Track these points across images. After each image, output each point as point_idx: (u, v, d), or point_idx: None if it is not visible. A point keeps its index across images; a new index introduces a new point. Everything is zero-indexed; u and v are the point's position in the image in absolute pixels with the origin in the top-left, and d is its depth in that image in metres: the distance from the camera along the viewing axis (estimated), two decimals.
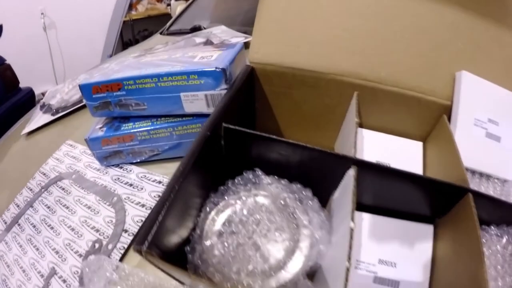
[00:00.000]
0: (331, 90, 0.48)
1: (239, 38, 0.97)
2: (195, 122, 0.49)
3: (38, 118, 0.93)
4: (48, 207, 0.59)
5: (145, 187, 0.53)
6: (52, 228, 0.55)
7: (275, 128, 0.56)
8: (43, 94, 2.54)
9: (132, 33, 2.83)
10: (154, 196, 0.51)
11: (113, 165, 0.59)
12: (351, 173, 0.34)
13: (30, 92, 1.79)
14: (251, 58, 0.48)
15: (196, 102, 0.45)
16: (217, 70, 0.42)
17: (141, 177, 0.54)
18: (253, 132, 0.35)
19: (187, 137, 0.51)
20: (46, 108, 0.96)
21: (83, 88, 0.52)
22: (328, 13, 0.49)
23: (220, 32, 1.10)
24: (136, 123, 0.52)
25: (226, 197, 0.37)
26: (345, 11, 0.49)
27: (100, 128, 0.55)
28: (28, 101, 1.76)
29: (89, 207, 0.55)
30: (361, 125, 0.52)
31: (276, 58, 0.48)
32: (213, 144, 0.36)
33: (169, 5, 2.97)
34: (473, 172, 0.47)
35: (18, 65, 2.07)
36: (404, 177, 0.35)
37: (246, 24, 1.27)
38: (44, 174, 0.68)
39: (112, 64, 0.57)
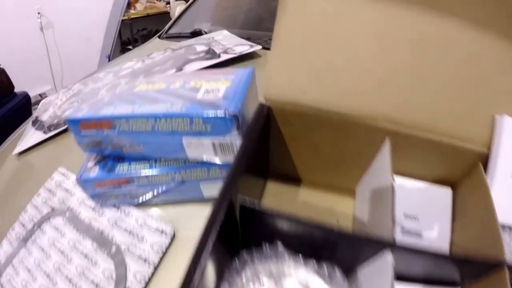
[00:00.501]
0: (360, 135, 0.41)
1: (244, 47, 0.89)
2: (201, 167, 0.41)
3: (30, 135, 0.86)
4: (43, 250, 0.52)
5: (145, 236, 0.46)
6: (48, 276, 0.48)
7: (291, 169, 0.49)
8: (40, 95, 2.48)
9: (130, 32, 2.73)
10: (157, 250, 0.44)
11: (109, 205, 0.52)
12: (388, 258, 0.28)
13: (25, 97, 1.72)
14: (267, 94, 0.40)
15: (202, 148, 0.37)
16: (227, 116, 0.34)
17: (141, 223, 0.47)
18: (273, 212, 0.28)
19: (191, 183, 0.43)
20: (38, 125, 0.89)
21: (70, 123, 0.45)
22: (358, 40, 0.41)
23: (222, 38, 1.02)
24: (132, 164, 0.44)
25: (243, 276, 0.30)
26: (378, 38, 0.41)
27: (92, 167, 0.48)
28: (23, 106, 1.68)
29: (85, 256, 0.48)
30: None
31: (297, 95, 0.40)
32: (228, 213, 0.28)
33: (168, 3, 2.86)
34: (503, 226, 0.41)
35: (15, 67, 2.00)
36: (438, 257, 0.32)
37: (248, 26, 1.20)
38: (36, 207, 0.61)
39: (103, 90, 0.50)
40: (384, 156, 0.38)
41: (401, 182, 0.45)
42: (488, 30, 0.41)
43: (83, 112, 0.45)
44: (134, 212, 0.49)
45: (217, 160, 0.38)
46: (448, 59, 0.41)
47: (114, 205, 0.51)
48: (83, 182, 0.48)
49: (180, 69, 0.82)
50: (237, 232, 0.32)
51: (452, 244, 0.42)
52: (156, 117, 0.36)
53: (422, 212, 0.44)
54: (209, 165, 0.40)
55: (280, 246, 0.30)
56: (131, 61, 1.03)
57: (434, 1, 0.41)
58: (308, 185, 0.51)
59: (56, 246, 0.52)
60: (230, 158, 0.37)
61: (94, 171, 0.47)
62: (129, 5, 2.74)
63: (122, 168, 0.44)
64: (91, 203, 0.54)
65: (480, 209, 0.39)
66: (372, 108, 0.40)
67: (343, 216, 0.46)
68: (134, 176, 0.43)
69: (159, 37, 1.34)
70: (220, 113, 0.34)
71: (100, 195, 0.49)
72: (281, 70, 0.41)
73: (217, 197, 0.27)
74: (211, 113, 0.34)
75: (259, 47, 0.87)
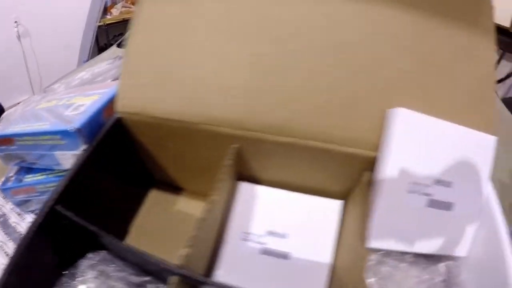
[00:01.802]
0: (208, 143, 0.41)
1: None
2: None
3: None
4: None
5: None
6: None
7: (169, 178, 0.50)
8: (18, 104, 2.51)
9: (106, 37, 2.77)
10: None
11: (31, 211, 0.58)
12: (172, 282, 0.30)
13: None
14: (116, 106, 0.41)
15: (70, 160, 0.42)
16: (70, 131, 0.38)
17: None
18: (82, 224, 0.32)
19: None
20: None
21: None
22: (206, 39, 0.39)
23: None
24: (35, 175, 0.50)
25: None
26: (229, 33, 0.38)
27: (11, 177, 0.54)
28: None
29: (7, 255, 0.54)
30: (259, 181, 0.44)
31: (142, 106, 0.41)
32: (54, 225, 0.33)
33: None
34: (387, 253, 0.36)
35: None
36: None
37: None
38: None
39: (20, 107, 0.55)
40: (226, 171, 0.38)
41: (276, 194, 0.43)
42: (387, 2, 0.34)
43: None
44: None
45: None
46: (323, 44, 0.35)
47: (34, 211, 0.57)
48: (3, 191, 0.54)
49: (117, 78, 0.87)
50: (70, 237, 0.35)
51: (334, 266, 0.39)
52: (33, 135, 0.42)
53: (296, 230, 0.41)
54: None
55: (105, 254, 0.35)
56: (83, 72, 1.08)
57: None
58: (189, 194, 0.51)
59: None
60: None
61: (11, 180, 0.53)
62: (105, 11, 2.77)
63: (28, 178, 0.50)
64: (19, 210, 0.60)
65: (354, 228, 0.35)
66: (214, 113, 0.38)
67: None
68: (35, 185, 0.49)
69: (118, 45, 1.38)
70: (66, 128, 0.39)
71: (20, 202, 0.55)
72: (131, 80, 0.41)
73: (41, 208, 0.32)
74: (60, 128, 0.39)
75: None
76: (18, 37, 2.47)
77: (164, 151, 0.45)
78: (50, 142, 0.41)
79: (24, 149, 0.46)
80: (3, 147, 0.50)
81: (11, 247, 0.55)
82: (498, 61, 1.90)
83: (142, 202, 0.51)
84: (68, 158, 0.41)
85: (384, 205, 0.34)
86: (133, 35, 0.43)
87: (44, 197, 0.52)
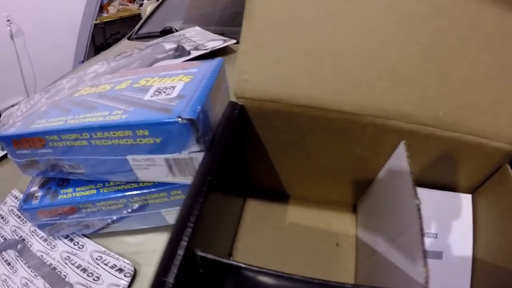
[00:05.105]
0: (367, 138, 0.31)
1: (216, 42, 0.80)
2: (160, 191, 0.31)
3: None
4: None
5: (102, 276, 0.36)
6: None
7: (276, 183, 0.39)
8: (13, 106, 2.31)
9: (103, 36, 2.58)
10: None
11: (63, 236, 0.42)
12: None
13: None
14: (237, 90, 0.30)
15: (153, 168, 0.27)
16: (181, 122, 0.23)
17: (97, 258, 0.37)
18: (239, 265, 0.19)
19: (151, 208, 0.33)
20: None
21: (2, 141, 0.35)
22: (358, 17, 0.30)
23: (194, 34, 0.92)
24: (77, 189, 0.34)
25: None
26: (382, 14, 0.31)
27: (35, 193, 0.38)
28: None
29: None
30: None
31: (279, 90, 0.29)
32: (186, 264, 0.19)
33: (142, 5, 2.72)
34: None
35: None
36: None
37: (223, 23, 1.10)
38: None
39: (44, 98, 0.40)
40: (401, 164, 0.29)
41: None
42: None
43: (16, 127, 0.35)
44: (89, 244, 0.39)
45: (176, 181, 0.28)
46: (471, 38, 0.30)
47: (67, 236, 0.41)
48: (25, 212, 0.38)
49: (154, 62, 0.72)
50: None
51: (474, 262, 0.35)
52: (90, 130, 0.26)
53: (442, 228, 0.36)
54: (168, 186, 0.30)
55: None
56: (97, 65, 0.93)
57: None
58: (298, 202, 0.41)
59: (9, 285, 0.42)
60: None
61: (37, 198, 0.37)
62: (101, 9, 2.60)
63: (65, 193, 0.35)
64: (44, 234, 0.44)
65: (509, 219, 0.30)
66: (383, 104, 0.29)
67: (344, 238, 0.37)
68: (79, 203, 0.33)
69: (128, 38, 1.23)
70: (171, 119, 0.23)
71: (48, 225, 0.40)
72: (257, 56, 0.30)
73: (166, 247, 0.18)
74: (160, 119, 0.24)
75: (233, 41, 0.77)
76: (11, 36, 2.28)
77: (292, 149, 0.34)
78: (119, 141, 0.25)
79: (62, 153, 0.30)
80: (26, 151, 0.34)
81: (40, 286, 0.39)
82: None
83: (242, 215, 0.39)
84: (148, 165, 0.26)
85: None
86: (251, 8, 0.31)
87: (91, 219, 0.37)
